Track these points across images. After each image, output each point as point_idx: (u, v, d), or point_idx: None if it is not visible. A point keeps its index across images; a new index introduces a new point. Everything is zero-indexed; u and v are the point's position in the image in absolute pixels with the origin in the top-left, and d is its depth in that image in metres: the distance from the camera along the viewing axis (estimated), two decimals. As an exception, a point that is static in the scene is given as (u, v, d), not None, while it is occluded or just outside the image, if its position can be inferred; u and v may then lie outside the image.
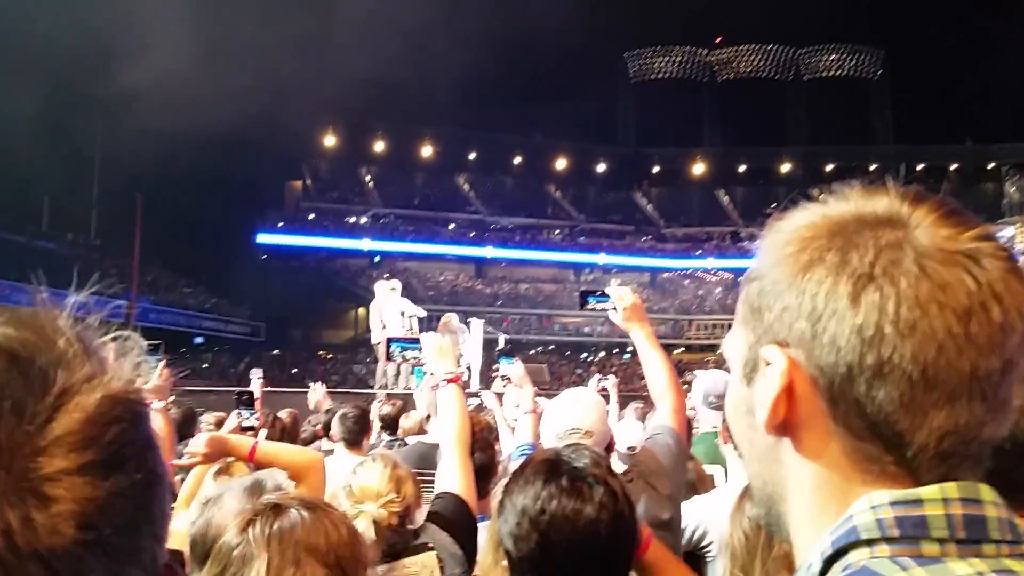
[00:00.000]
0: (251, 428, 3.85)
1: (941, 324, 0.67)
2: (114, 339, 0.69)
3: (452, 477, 2.83)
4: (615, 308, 3.02)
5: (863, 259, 0.70)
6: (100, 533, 0.59)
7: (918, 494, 0.68)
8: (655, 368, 2.93)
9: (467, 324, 16.45)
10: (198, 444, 3.15)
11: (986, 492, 0.69)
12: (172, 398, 5.80)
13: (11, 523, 0.55)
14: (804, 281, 0.72)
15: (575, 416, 2.80)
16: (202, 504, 2.28)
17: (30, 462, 0.57)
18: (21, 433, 0.58)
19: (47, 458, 0.58)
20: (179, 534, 2.95)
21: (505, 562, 1.77)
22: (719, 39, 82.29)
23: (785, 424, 0.74)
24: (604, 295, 3.08)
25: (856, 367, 0.69)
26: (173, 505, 3.36)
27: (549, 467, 1.77)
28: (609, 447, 2.91)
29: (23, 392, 0.59)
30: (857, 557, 0.68)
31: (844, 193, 0.77)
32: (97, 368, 0.64)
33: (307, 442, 5.97)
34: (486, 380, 14.94)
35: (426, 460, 4.16)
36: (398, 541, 2.44)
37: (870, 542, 0.68)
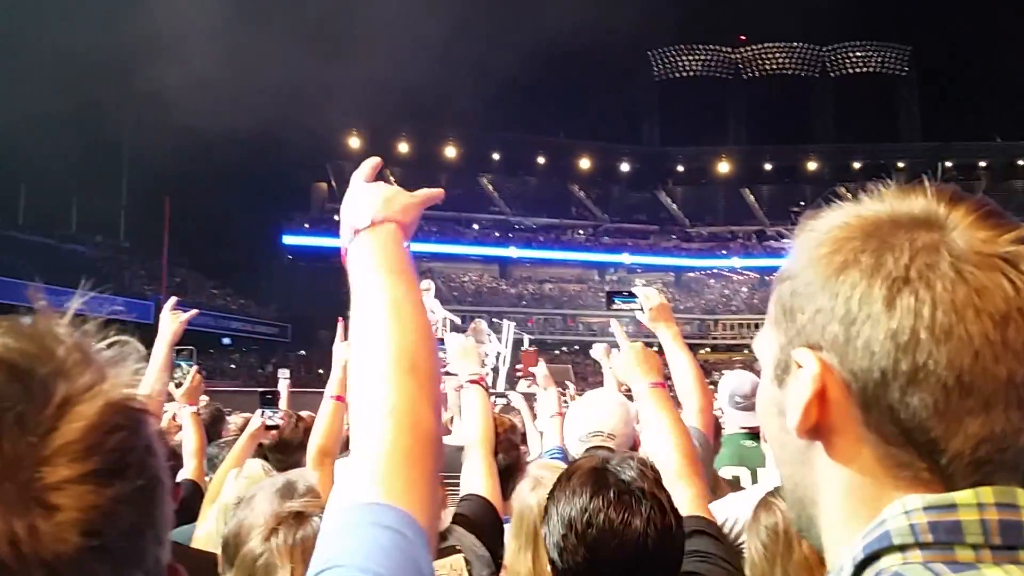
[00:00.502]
0: (276, 427, 3.88)
1: (978, 330, 0.66)
2: (111, 344, 0.70)
3: (477, 479, 2.83)
4: (641, 308, 3.01)
5: (898, 261, 0.68)
6: (104, 539, 0.60)
7: (952, 499, 0.67)
8: (681, 368, 2.91)
9: (497, 325, 16.50)
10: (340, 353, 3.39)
11: (1023, 497, 0.67)
12: (205, 401, 5.84)
13: (17, 532, 0.56)
14: (838, 283, 0.71)
15: (597, 419, 2.83)
16: (234, 505, 2.27)
17: (34, 472, 0.58)
18: (24, 444, 0.59)
19: (50, 468, 0.59)
20: (202, 538, 2.98)
21: (549, 569, 1.76)
22: (743, 37, 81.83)
23: (817, 428, 0.73)
24: (631, 295, 3.07)
25: (890, 372, 0.68)
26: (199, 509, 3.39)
27: (596, 478, 1.73)
28: (635, 448, 2.91)
29: (25, 403, 0.60)
30: (889, 563, 0.67)
31: (879, 192, 0.75)
32: (97, 376, 0.65)
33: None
34: (512, 380, 14.96)
35: (447, 462, 4.14)
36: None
37: (903, 547, 0.67)
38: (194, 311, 3.76)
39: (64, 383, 0.63)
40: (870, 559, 0.69)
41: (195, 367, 4.17)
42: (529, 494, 2.38)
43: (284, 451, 3.98)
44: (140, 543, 0.65)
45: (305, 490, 2.22)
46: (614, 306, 3.15)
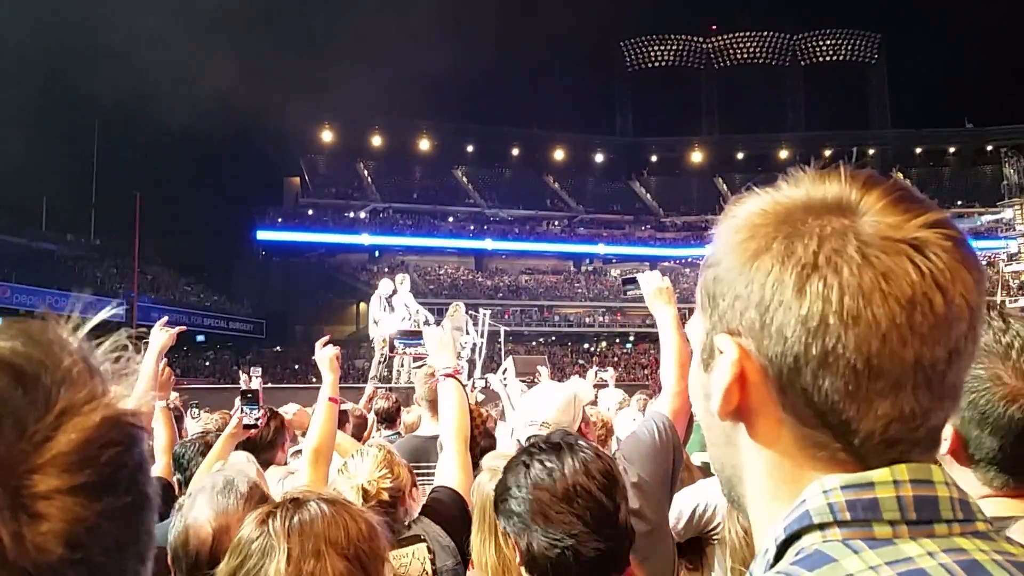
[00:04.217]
0: (254, 426, 3.85)
1: (884, 313, 0.67)
2: (117, 359, 0.71)
3: (450, 471, 2.86)
4: (642, 293, 3.03)
5: (807, 248, 0.70)
6: (87, 552, 0.60)
7: (869, 477, 0.69)
8: (667, 352, 2.88)
9: (473, 316, 16.51)
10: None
11: (937, 473, 0.70)
12: (175, 395, 5.82)
13: (1, 538, 0.56)
14: (753, 270, 0.73)
15: (534, 409, 2.92)
16: (176, 510, 2.24)
17: (25, 479, 0.58)
18: (19, 450, 0.59)
19: (42, 476, 0.59)
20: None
21: (511, 555, 1.80)
22: (714, 27, 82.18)
23: (738, 411, 0.75)
24: (634, 281, 3.09)
25: (802, 357, 0.70)
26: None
27: (526, 446, 1.89)
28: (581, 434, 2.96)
29: (25, 410, 0.60)
30: (810, 541, 0.69)
31: (796, 178, 0.77)
32: (99, 388, 0.66)
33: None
34: (488, 371, 14.98)
35: (419, 453, 4.16)
36: (389, 528, 2.44)
37: (822, 526, 0.69)
38: (182, 327, 3.93)
39: (66, 393, 0.63)
40: (791, 539, 0.70)
41: (164, 361, 4.15)
42: (487, 484, 2.39)
43: (252, 450, 3.96)
44: (122, 560, 0.65)
45: (247, 488, 2.20)
46: (628, 294, 3.17)
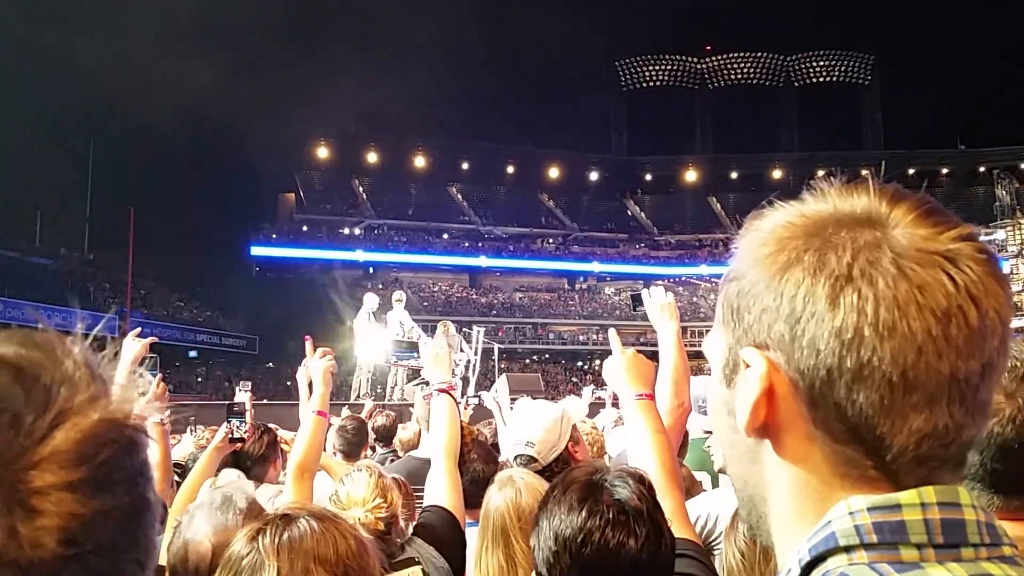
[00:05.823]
0: (240, 440, 3.84)
1: (920, 326, 0.66)
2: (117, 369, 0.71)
3: (440, 489, 2.83)
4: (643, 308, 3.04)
5: (841, 260, 0.69)
6: (81, 549, 0.60)
7: (897, 499, 0.67)
8: (665, 368, 2.87)
9: (467, 333, 16.50)
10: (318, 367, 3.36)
11: (964, 496, 0.68)
12: (168, 413, 5.81)
13: None
14: (782, 283, 0.71)
15: (520, 428, 2.99)
16: (173, 527, 2.25)
17: (22, 475, 0.58)
18: (16, 446, 0.59)
19: (38, 472, 0.59)
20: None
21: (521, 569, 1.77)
22: (709, 47, 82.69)
23: (765, 427, 0.73)
24: (639, 298, 3.09)
25: (836, 370, 0.68)
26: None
27: (592, 495, 1.68)
28: (569, 454, 2.98)
29: (23, 407, 0.61)
30: (835, 564, 0.67)
31: (822, 191, 0.75)
32: (100, 391, 0.66)
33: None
34: (481, 389, 14.95)
35: (416, 475, 4.15)
36: (384, 551, 2.44)
37: (848, 548, 0.67)
38: (153, 338, 3.90)
39: (66, 393, 0.63)
40: (817, 560, 0.69)
41: (159, 376, 4.16)
42: (496, 494, 2.41)
43: (244, 465, 3.95)
44: (119, 563, 0.64)
45: (245, 504, 2.21)
46: (638, 309, 3.18)
